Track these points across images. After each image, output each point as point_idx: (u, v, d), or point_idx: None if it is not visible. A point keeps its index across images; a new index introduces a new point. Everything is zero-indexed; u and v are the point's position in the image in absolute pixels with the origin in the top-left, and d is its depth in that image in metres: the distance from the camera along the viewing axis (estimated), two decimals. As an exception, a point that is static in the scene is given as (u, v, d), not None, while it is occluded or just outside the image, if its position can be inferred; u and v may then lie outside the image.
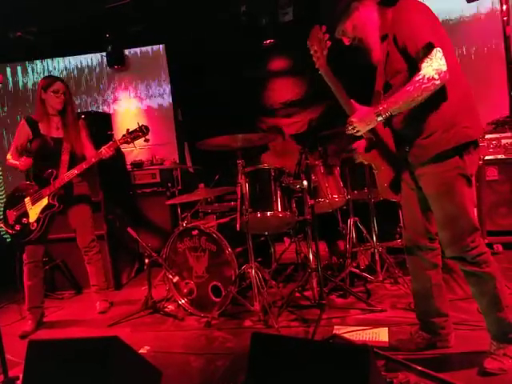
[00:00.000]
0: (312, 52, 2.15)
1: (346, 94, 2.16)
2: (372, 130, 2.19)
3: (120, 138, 3.24)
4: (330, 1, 2.23)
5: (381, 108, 1.98)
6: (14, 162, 3.41)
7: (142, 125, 3.22)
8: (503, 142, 4.03)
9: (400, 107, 1.96)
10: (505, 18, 1.71)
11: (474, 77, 3.75)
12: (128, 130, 3.23)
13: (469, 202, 2.03)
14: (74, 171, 3.28)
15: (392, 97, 1.97)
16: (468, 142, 1.97)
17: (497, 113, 4.33)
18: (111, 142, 3.24)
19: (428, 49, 1.87)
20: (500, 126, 4.13)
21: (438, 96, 1.94)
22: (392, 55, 2.05)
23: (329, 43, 2.12)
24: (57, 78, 3.47)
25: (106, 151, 3.22)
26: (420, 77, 1.87)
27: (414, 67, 1.93)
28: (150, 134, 3.26)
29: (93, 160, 3.26)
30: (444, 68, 1.86)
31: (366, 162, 2.47)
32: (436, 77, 1.85)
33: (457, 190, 2.00)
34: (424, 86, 1.86)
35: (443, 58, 1.87)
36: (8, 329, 3.21)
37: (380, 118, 2.00)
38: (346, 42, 2.18)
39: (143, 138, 3.23)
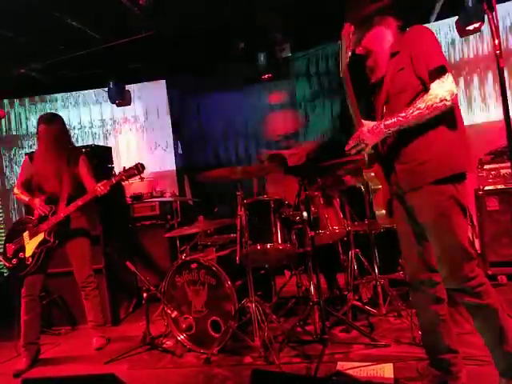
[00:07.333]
0: (341, 48, 2.13)
1: (359, 106, 2.14)
2: (375, 146, 2.17)
3: (116, 175, 3.26)
4: (352, 5, 2.17)
5: (390, 121, 2.00)
6: (23, 198, 3.47)
7: (139, 163, 3.22)
8: (502, 171, 4.04)
9: (409, 122, 1.97)
10: (497, 52, 1.75)
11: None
12: (124, 167, 3.23)
13: (464, 232, 2.03)
14: (70, 208, 3.29)
15: (402, 112, 1.97)
16: (460, 174, 1.99)
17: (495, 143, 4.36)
18: (105, 181, 3.24)
19: (441, 71, 1.92)
20: (498, 156, 4.12)
21: (440, 124, 1.97)
22: (400, 72, 2.05)
23: (351, 48, 2.12)
24: (42, 120, 3.42)
25: (100, 189, 3.23)
26: (432, 96, 1.92)
27: (421, 86, 1.97)
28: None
29: (87, 197, 3.27)
30: (455, 91, 1.92)
31: (359, 184, 2.42)
32: (448, 98, 1.90)
33: (454, 220, 1.99)
34: (435, 105, 1.90)
35: (453, 82, 1.93)
36: (1, 367, 3.12)
37: (389, 132, 2.02)
38: (358, 51, 2.19)
39: (138, 177, 3.23)
